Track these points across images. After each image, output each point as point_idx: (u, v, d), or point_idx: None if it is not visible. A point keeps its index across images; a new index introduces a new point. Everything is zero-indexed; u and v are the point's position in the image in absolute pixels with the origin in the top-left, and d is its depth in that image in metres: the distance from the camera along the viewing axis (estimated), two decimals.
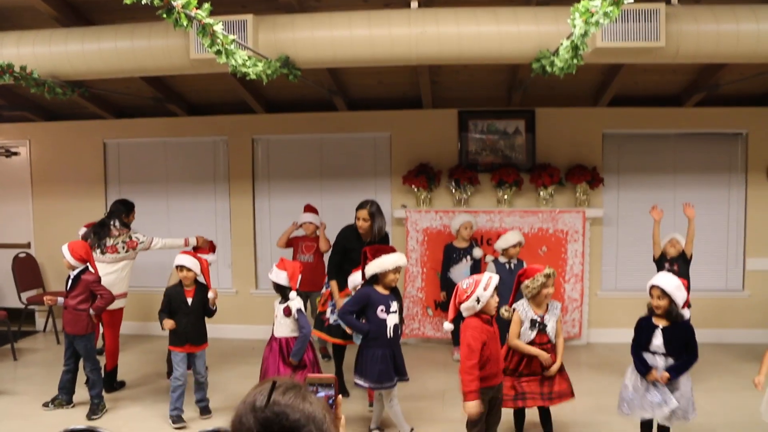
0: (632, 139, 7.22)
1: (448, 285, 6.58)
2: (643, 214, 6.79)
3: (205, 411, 5.07)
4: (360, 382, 4.48)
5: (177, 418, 4.85)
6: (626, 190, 7.22)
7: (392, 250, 4.61)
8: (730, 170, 7.14)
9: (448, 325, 3.98)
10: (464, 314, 3.86)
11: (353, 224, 5.50)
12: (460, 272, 6.48)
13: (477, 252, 6.48)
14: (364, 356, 4.48)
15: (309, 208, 6.66)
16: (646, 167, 7.19)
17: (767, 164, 7.02)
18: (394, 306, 4.47)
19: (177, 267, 4.93)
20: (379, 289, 4.48)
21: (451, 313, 3.95)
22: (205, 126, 7.64)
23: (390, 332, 4.43)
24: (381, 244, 5.37)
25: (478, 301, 3.76)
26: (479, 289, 3.76)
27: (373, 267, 4.44)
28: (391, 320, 4.43)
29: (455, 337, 6.66)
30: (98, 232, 5.79)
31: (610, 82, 6.47)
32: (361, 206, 5.45)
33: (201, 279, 5.07)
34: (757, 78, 6.08)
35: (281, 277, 4.58)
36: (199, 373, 5.02)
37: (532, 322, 4.18)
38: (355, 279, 4.90)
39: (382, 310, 4.41)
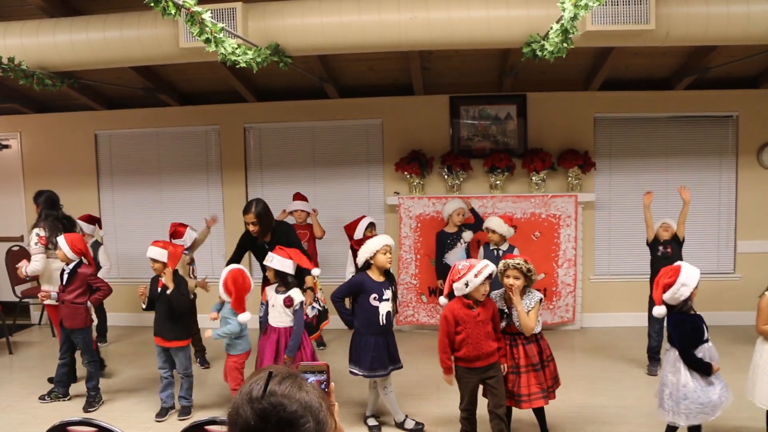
0: (624, 122, 7.22)
1: (445, 271, 6.56)
2: (635, 197, 6.82)
3: (183, 411, 4.90)
4: (354, 370, 4.47)
5: (159, 411, 4.87)
6: (618, 174, 7.24)
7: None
8: (721, 153, 7.16)
9: (443, 300, 4.05)
10: (455, 293, 3.94)
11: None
12: (456, 256, 6.48)
13: (467, 235, 6.49)
14: (356, 344, 4.47)
15: (298, 196, 6.65)
16: (638, 151, 7.21)
17: (758, 146, 7.05)
18: (388, 294, 4.43)
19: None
20: (373, 275, 4.43)
21: (446, 289, 4.03)
22: (196, 115, 7.61)
23: (382, 320, 4.39)
24: (284, 235, 5.20)
25: (466, 285, 3.84)
26: (470, 274, 3.83)
27: (363, 253, 4.41)
28: (384, 308, 4.40)
29: None
30: (65, 225, 5.68)
31: (600, 66, 6.47)
32: (245, 211, 5.16)
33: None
34: (748, 60, 6.09)
35: (287, 266, 4.45)
36: (180, 370, 4.93)
37: (500, 312, 4.15)
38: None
39: (374, 298, 4.37)
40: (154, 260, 4.83)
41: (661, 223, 5.71)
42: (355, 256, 4.59)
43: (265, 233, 5.20)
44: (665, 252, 5.60)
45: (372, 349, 4.37)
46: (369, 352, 4.36)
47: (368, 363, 4.36)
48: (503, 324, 4.14)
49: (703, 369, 3.78)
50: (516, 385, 4.07)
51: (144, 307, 4.89)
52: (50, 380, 5.40)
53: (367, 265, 4.45)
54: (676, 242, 5.64)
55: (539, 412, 4.28)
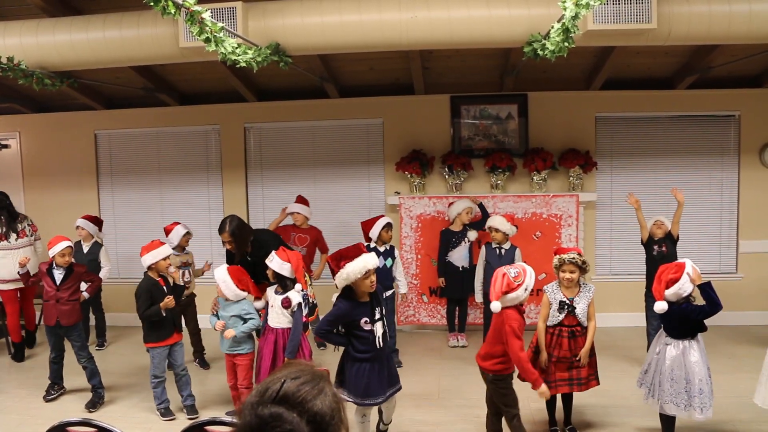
0: (625, 122, 7.20)
1: (447, 270, 6.54)
2: (636, 197, 6.80)
3: (191, 410, 4.93)
4: (343, 395, 4.07)
5: (166, 411, 4.87)
6: (619, 174, 7.22)
7: (356, 252, 3.96)
8: (722, 152, 7.14)
9: (496, 305, 3.84)
10: (505, 303, 3.85)
11: None
12: (460, 255, 6.46)
13: (472, 234, 6.46)
14: (348, 369, 4.03)
15: (300, 199, 6.61)
16: (639, 150, 7.18)
17: (760, 146, 7.02)
18: (378, 312, 4.00)
19: (163, 258, 4.86)
20: (357, 298, 3.97)
21: (495, 296, 3.85)
22: (196, 115, 7.58)
23: (379, 342, 3.97)
24: (263, 245, 5.09)
25: (525, 290, 3.82)
26: (528, 280, 3.83)
27: (341, 281, 3.91)
28: (379, 329, 3.98)
29: (450, 323, 6.70)
30: (6, 221, 6.29)
31: (602, 65, 6.45)
32: (220, 230, 5.20)
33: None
34: (750, 59, 6.08)
35: (285, 269, 4.45)
36: (180, 366, 4.92)
37: (561, 304, 4.21)
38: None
39: (366, 322, 3.93)
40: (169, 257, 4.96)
41: (654, 220, 5.71)
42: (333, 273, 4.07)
43: (242, 248, 5.28)
44: (660, 251, 5.61)
45: (367, 375, 3.96)
46: (363, 379, 3.96)
47: (361, 390, 3.97)
48: (561, 316, 4.20)
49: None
50: (578, 371, 4.23)
51: (164, 314, 4.79)
52: None
53: (349, 289, 3.97)
54: (671, 240, 5.65)
55: (568, 404, 4.42)
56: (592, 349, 4.32)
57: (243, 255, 5.33)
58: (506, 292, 3.82)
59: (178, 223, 6.12)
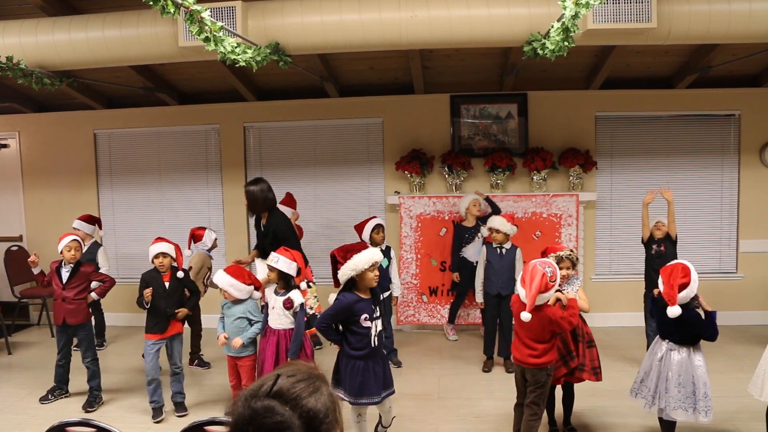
0: (625, 121, 7.20)
1: (461, 265, 6.55)
2: (636, 196, 6.80)
3: (180, 407, 4.94)
4: (339, 393, 3.99)
5: (154, 411, 4.85)
6: (619, 173, 7.21)
7: (362, 247, 4.03)
8: (722, 152, 7.13)
9: (526, 315, 3.75)
10: (541, 301, 3.84)
11: None
12: (474, 250, 6.43)
13: (484, 231, 6.41)
14: (343, 368, 4.01)
15: (286, 199, 6.60)
16: (639, 149, 7.18)
17: (760, 145, 7.02)
18: (377, 310, 3.99)
19: (155, 256, 4.90)
20: (360, 293, 3.95)
21: (530, 302, 3.74)
22: (196, 115, 7.58)
23: (375, 341, 3.93)
24: (275, 225, 5.22)
25: (553, 291, 3.85)
26: (559, 277, 3.88)
27: (347, 270, 3.88)
28: (376, 327, 3.95)
29: (452, 315, 6.71)
30: None
31: (602, 65, 6.45)
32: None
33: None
34: (750, 58, 6.08)
35: (293, 268, 4.41)
36: (174, 364, 4.93)
37: None
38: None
39: (365, 319, 3.90)
40: (164, 255, 4.91)
41: (655, 222, 5.71)
42: (335, 265, 4.07)
43: (254, 210, 5.57)
44: (659, 251, 5.61)
45: (360, 373, 3.93)
46: (357, 377, 3.93)
47: (356, 388, 3.93)
48: None
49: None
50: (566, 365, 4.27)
51: (147, 307, 4.84)
52: None
53: (352, 283, 3.95)
54: (670, 241, 5.65)
55: (569, 401, 4.44)
56: (592, 341, 4.36)
57: (257, 219, 5.64)
58: (544, 291, 3.78)
59: (205, 228, 6.20)
